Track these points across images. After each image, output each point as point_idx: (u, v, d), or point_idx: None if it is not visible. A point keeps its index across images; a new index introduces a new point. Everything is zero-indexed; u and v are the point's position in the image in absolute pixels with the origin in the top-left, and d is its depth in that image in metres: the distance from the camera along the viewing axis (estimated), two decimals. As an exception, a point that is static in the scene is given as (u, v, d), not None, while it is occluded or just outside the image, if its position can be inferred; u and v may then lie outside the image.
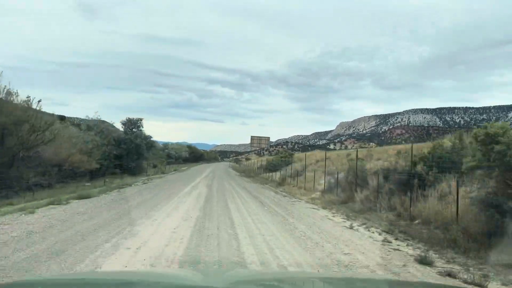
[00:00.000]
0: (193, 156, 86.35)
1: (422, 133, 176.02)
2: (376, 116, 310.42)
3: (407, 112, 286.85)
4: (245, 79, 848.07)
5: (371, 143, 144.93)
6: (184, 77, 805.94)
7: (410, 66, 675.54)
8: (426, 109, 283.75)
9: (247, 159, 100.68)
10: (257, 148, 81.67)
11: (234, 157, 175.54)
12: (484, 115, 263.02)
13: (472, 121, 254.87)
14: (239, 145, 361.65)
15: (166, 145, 70.08)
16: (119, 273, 4.14)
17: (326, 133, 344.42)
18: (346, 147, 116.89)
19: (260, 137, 70.46)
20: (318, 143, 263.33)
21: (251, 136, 69.08)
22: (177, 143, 75.71)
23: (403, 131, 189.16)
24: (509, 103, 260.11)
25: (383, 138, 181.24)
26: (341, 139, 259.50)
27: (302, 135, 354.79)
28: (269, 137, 69.99)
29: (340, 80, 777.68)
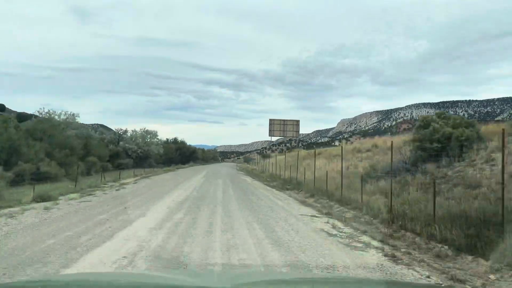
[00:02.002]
0: (181, 154, 60.74)
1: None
2: (378, 112, 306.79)
3: (409, 107, 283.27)
4: (242, 79, 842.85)
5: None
6: (181, 79, 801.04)
7: (407, 62, 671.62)
8: (429, 103, 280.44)
9: (265, 156, 61.96)
10: (283, 139, 67.88)
11: (237, 157, 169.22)
12: (488, 108, 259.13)
13: (476, 114, 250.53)
14: (239, 146, 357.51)
15: (122, 133, 44.10)
16: (118, 274, 4.26)
17: (327, 130, 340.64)
18: (352, 144, 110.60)
19: (284, 120, 44.64)
20: (320, 141, 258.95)
21: (270, 120, 44.60)
22: (144, 131, 46.27)
23: (410, 125, 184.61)
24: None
25: (389, 133, 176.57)
26: (344, 136, 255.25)
27: (302, 134, 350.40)
28: (298, 121, 45.63)
29: (337, 78, 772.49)
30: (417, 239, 7.96)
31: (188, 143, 74.11)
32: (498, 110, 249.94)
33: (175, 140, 65.09)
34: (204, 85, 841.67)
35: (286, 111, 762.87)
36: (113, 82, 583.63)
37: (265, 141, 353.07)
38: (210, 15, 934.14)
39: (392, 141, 13.93)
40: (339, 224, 10.21)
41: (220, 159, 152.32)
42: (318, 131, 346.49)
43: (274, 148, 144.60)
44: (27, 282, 2.42)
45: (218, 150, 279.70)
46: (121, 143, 42.15)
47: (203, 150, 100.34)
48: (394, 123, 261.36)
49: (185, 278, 2.69)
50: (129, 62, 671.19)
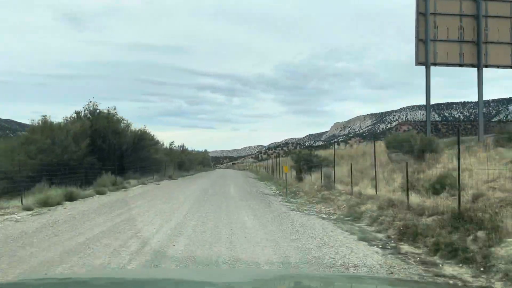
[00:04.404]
0: (100, 150, 23.08)
1: (431, 128, 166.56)
2: (372, 114, 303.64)
3: (404, 109, 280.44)
4: (234, 84, 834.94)
5: (379, 141, 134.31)
6: (173, 84, 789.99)
7: (399, 65, 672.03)
8: (424, 105, 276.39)
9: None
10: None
11: (231, 162, 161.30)
12: (484, 109, 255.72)
13: (472, 116, 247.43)
14: (231, 151, 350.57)
15: None
16: (119, 273, 4.10)
17: (321, 134, 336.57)
18: (351, 146, 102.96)
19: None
20: (314, 144, 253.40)
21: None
22: None
23: (410, 127, 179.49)
24: (508, 96, 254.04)
25: (389, 135, 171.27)
26: (338, 139, 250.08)
27: (295, 138, 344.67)
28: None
29: (330, 82, 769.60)
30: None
31: (130, 122, 29.22)
32: (494, 111, 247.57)
33: (91, 115, 25.65)
34: (197, 90, 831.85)
35: (279, 115, 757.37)
36: (106, 88, 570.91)
37: (257, 145, 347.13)
38: (202, 19, 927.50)
39: None
40: None
41: (212, 164, 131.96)
42: (311, 135, 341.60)
43: (270, 152, 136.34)
44: (27, 282, 2.40)
45: (212, 155, 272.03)
46: None
47: (182, 149, 53.43)
48: (389, 125, 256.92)
49: (188, 275, 2.70)
50: (121, 68, 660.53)
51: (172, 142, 44.86)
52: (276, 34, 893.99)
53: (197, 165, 62.77)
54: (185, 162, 47.27)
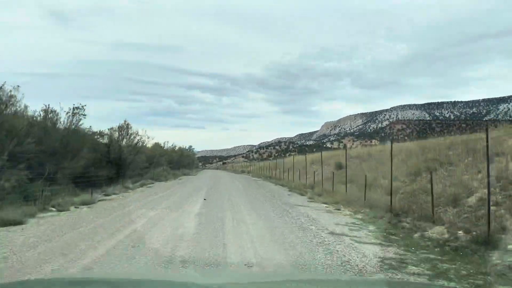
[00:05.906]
0: None
1: (425, 127, 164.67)
2: (363, 114, 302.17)
3: (394, 108, 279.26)
4: (224, 83, 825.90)
5: (373, 140, 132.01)
6: (162, 84, 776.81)
7: (388, 65, 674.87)
8: (414, 104, 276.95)
9: None
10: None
11: (222, 162, 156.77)
12: (474, 109, 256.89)
13: (462, 115, 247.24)
14: (221, 150, 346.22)
15: None
16: (118, 273, 4.09)
17: (311, 134, 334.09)
18: (345, 146, 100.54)
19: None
20: (305, 144, 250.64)
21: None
22: None
23: (404, 126, 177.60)
24: (498, 95, 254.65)
25: (383, 134, 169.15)
26: (330, 139, 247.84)
27: (285, 137, 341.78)
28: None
29: (320, 81, 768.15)
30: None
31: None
32: (484, 111, 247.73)
33: None
34: (186, 90, 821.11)
35: (268, 115, 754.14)
36: (92, 88, 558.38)
37: (247, 145, 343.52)
38: (192, 19, 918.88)
39: None
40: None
41: (200, 165, 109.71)
42: (301, 134, 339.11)
43: (261, 151, 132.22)
44: (27, 282, 2.29)
45: (201, 155, 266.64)
46: None
47: (126, 136, 27.75)
48: (380, 125, 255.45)
49: (184, 277, 2.72)
50: (109, 67, 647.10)
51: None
52: (266, 34, 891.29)
53: (173, 162, 43.85)
54: (137, 163, 27.71)
